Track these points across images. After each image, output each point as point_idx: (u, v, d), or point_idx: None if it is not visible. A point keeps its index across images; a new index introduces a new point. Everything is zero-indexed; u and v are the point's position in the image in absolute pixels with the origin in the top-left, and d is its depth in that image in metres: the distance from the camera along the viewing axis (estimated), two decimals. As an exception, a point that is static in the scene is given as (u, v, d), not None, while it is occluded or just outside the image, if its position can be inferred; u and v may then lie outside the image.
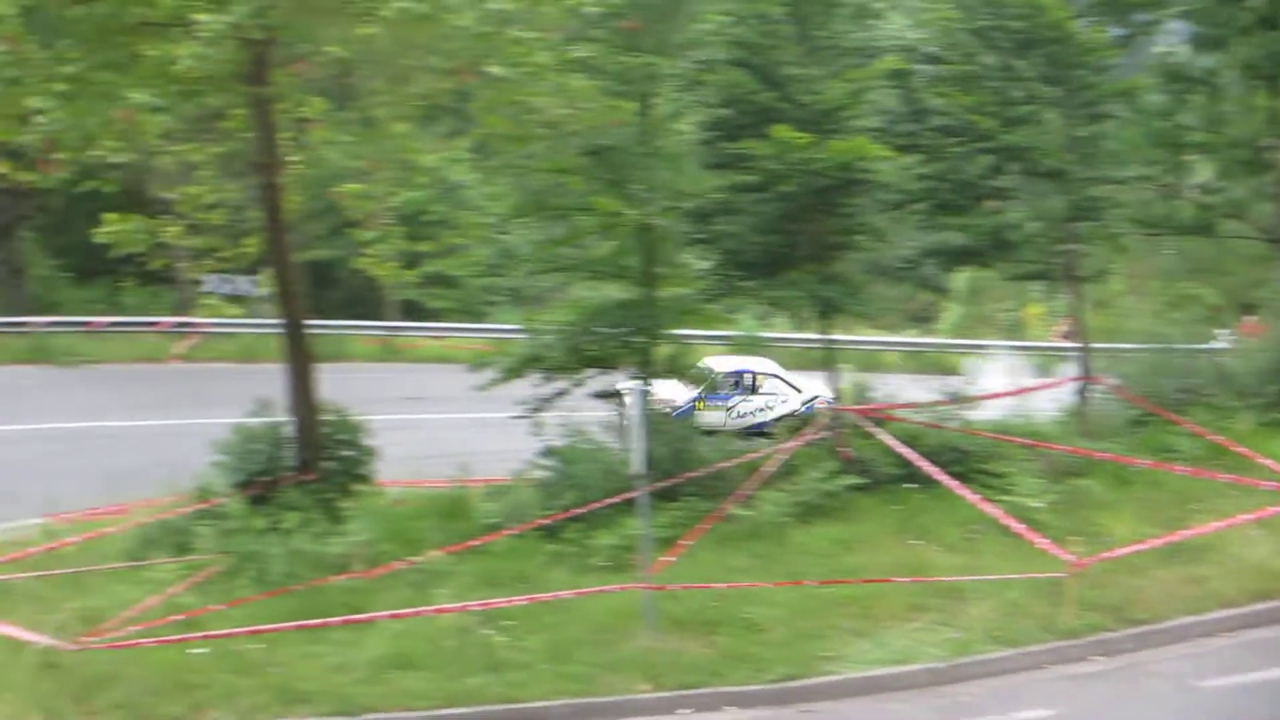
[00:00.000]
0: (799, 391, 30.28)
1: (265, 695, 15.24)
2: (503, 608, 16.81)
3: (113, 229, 20.81)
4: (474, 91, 20.13)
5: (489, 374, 22.46)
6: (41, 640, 15.90)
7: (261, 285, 29.54)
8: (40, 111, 17.09)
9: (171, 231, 21.54)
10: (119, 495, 22.30)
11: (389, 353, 39.51)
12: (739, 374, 30.17)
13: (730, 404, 29.78)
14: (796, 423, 29.02)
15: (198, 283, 34.07)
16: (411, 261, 39.41)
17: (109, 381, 34.31)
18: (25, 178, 19.30)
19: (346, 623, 16.49)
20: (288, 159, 20.62)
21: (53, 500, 21.44)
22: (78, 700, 15.30)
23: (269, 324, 30.15)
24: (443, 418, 30.04)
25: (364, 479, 20.67)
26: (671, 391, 29.14)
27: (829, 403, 29.20)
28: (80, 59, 17.50)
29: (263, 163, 19.85)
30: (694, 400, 29.22)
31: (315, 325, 21.66)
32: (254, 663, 15.80)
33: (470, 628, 16.44)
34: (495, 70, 18.80)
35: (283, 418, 20.48)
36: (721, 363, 30.61)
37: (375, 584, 17.78)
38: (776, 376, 30.67)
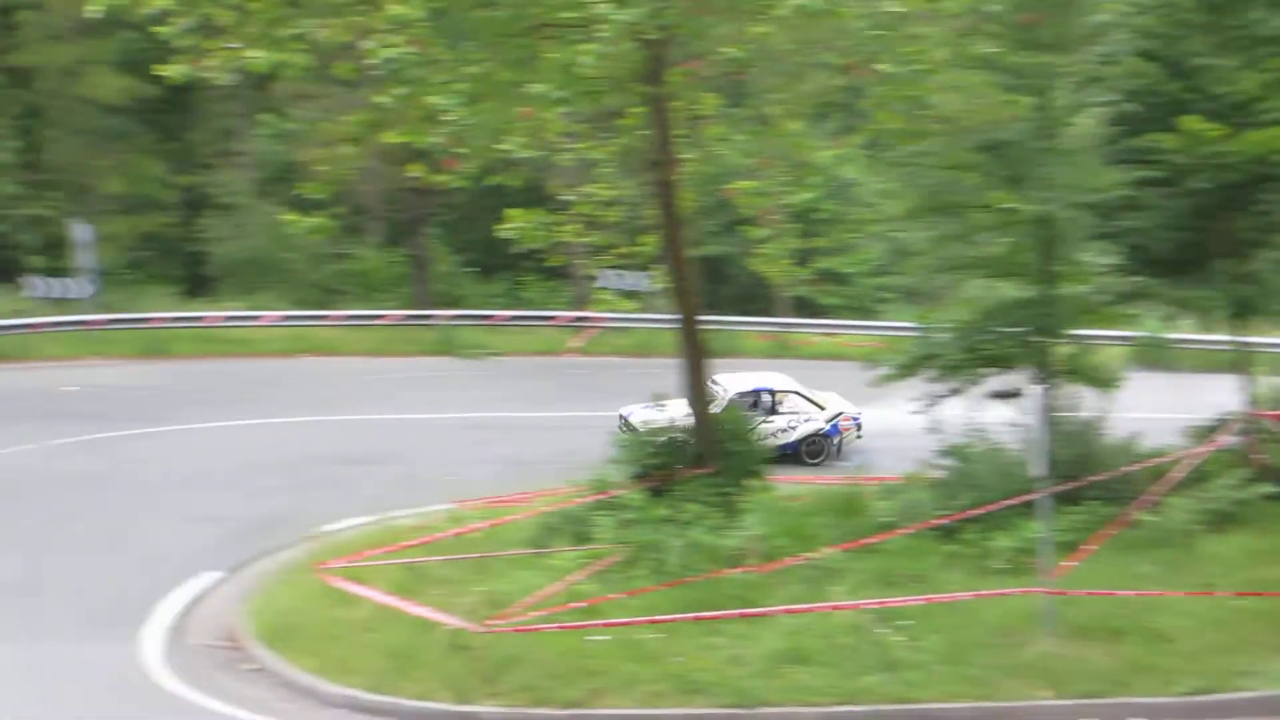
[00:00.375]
0: (822, 409, 28.38)
1: (664, 684, 15.51)
2: (898, 607, 16.66)
3: (515, 225, 21.38)
4: (867, 87, 19.94)
5: (881, 371, 22.25)
6: (451, 622, 16.55)
7: (656, 281, 30.03)
8: (445, 112, 17.70)
9: (570, 228, 22.03)
10: (520, 484, 23.03)
11: (780, 349, 39.67)
12: (757, 393, 28.04)
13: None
14: (819, 443, 27.99)
15: (594, 278, 34.82)
16: (803, 258, 39.54)
17: (509, 373, 35.48)
18: (437, 179, 19.99)
19: (741, 616, 16.64)
20: (682, 156, 20.85)
21: (459, 487, 22.25)
22: (484, 680, 15.88)
23: (663, 319, 30.63)
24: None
25: (758, 473, 20.77)
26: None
27: (854, 420, 27.92)
28: (484, 59, 18.05)
29: (658, 160, 20.14)
30: None
31: (708, 321, 21.84)
32: (652, 652, 16.07)
33: (865, 626, 16.34)
34: (887, 68, 18.60)
35: (678, 411, 20.75)
36: (737, 381, 28.29)
37: (769, 578, 17.86)
38: (797, 394, 28.51)
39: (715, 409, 26.01)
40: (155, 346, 36.90)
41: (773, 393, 27.96)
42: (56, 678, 17.35)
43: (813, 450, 27.79)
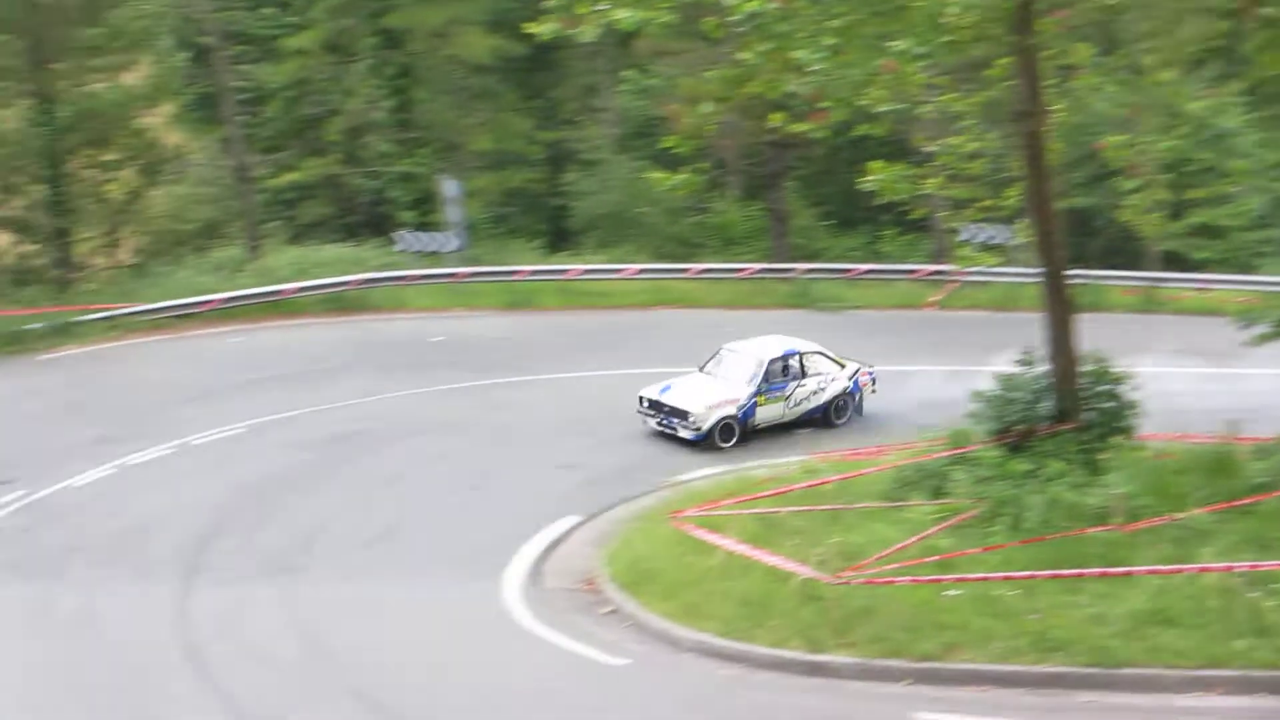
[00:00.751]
0: (842, 366, 26.87)
1: (1020, 641, 15.23)
2: (1273, 571, 15.90)
3: (875, 178, 21.17)
4: (1250, 32, 19.02)
5: (1259, 329, 21.29)
6: (804, 572, 16.57)
7: (1018, 234, 29.35)
8: (807, 66, 17.62)
9: (932, 182, 21.72)
10: (876, 437, 22.88)
11: (1148, 303, 38.28)
12: (786, 357, 26.48)
13: (787, 393, 26.17)
14: (845, 401, 26.66)
15: (955, 231, 34.23)
16: (1175, 211, 38.15)
17: (865, 327, 35.19)
18: (798, 129, 19.93)
19: (1103, 575, 16.16)
20: (1050, 107, 20.30)
21: (814, 439, 22.20)
22: (836, 631, 15.88)
23: (1025, 273, 29.94)
24: (1206, 372, 28.80)
25: (1124, 431, 20.08)
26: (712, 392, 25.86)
27: (871, 375, 26.54)
28: (848, 12, 17.87)
29: (1025, 111, 19.63)
30: (754, 396, 25.71)
31: (1074, 275, 21.23)
32: (1008, 608, 15.79)
33: (1236, 589, 15.61)
34: (1274, 10, 17.68)
35: (1041, 367, 20.26)
36: (764, 346, 26.90)
37: (1133, 538, 17.27)
38: (821, 354, 26.90)
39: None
40: (519, 299, 37.86)
41: (800, 355, 26.68)
42: (424, 615, 18.11)
43: (840, 409, 26.79)
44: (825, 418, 26.56)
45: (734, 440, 25.40)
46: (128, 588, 19.02)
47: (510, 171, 48.85)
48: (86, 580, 19.26)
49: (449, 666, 16.54)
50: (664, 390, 25.91)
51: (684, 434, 25.28)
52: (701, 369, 26.67)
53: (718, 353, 26.86)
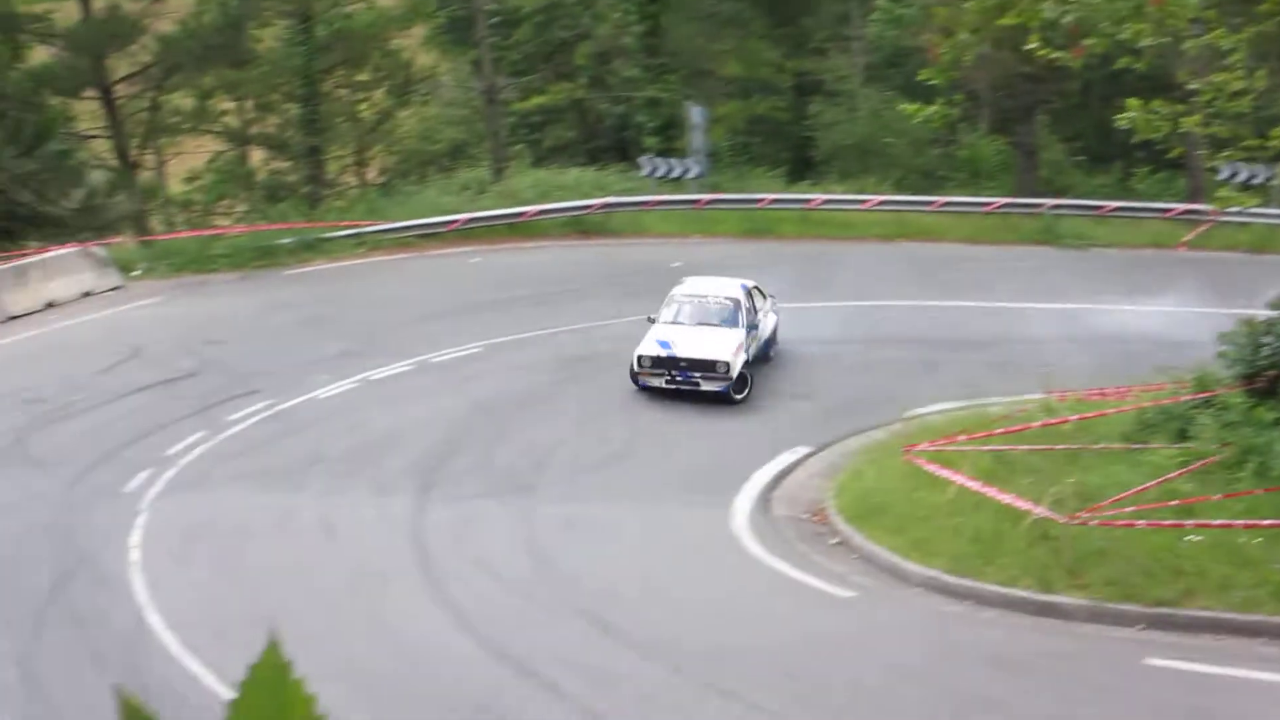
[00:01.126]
0: (766, 299, 25.56)
1: (1261, 590, 14.85)
2: None
3: (1133, 114, 20.55)
4: None
5: None
6: (1038, 511, 16.28)
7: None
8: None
9: (1192, 119, 21.02)
10: (1116, 377, 22.33)
11: None
12: (746, 293, 25.05)
13: (759, 331, 24.69)
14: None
15: (1213, 170, 33.04)
16: None
17: (1112, 266, 34.28)
18: (1054, 55, 19.41)
19: (1350, 527, 15.62)
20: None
21: (1053, 377, 21.78)
22: (1069, 572, 15.65)
23: (1286, 215, 28.82)
24: None
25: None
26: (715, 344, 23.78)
27: (774, 303, 25.43)
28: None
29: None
30: (748, 338, 24.02)
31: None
32: (1250, 557, 15.38)
33: None
34: None
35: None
36: (729, 286, 25.26)
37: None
38: (758, 289, 25.53)
39: None
40: (759, 227, 37.65)
41: (750, 291, 25.31)
42: (653, 538, 18.35)
43: (772, 342, 25.87)
44: (766, 354, 25.71)
45: (748, 390, 23.86)
46: (365, 499, 19.58)
47: (756, 99, 48.62)
48: (326, 490, 19.87)
49: (676, 590, 16.71)
50: (665, 346, 23.99)
51: (710, 387, 23.64)
52: (656, 320, 24.75)
53: (671, 298, 25.32)
